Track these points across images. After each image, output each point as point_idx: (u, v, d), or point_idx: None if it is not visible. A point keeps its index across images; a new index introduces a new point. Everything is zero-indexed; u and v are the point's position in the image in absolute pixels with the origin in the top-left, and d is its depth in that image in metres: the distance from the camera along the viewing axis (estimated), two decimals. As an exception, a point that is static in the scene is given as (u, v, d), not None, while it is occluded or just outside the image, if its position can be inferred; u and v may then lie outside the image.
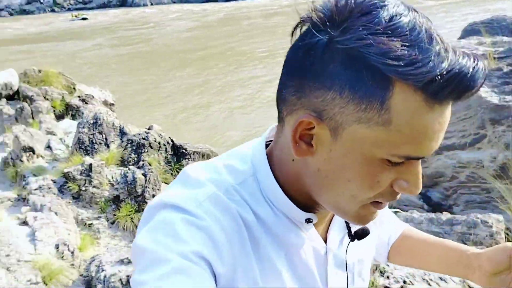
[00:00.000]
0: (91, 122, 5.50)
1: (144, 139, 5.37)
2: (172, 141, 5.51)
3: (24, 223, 4.30)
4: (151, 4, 37.28)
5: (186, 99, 13.27)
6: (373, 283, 3.24)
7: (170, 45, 22.07)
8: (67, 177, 4.97)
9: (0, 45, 23.27)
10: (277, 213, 0.63)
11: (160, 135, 5.54)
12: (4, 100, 8.16)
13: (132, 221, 4.53)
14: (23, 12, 36.22)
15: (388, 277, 3.32)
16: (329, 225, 0.70)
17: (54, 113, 7.99)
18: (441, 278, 3.40)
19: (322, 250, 0.68)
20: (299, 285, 0.65)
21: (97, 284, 3.48)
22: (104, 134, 5.51)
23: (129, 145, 5.36)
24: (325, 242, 0.69)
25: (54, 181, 5.05)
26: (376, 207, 0.60)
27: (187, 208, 0.58)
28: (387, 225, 0.89)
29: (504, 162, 3.76)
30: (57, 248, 3.96)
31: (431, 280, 3.35)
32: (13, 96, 8.31)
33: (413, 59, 0.48)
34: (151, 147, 5.33)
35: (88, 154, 5.35)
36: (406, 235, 0.89)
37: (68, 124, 7.21)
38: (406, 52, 0.48)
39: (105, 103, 9.15)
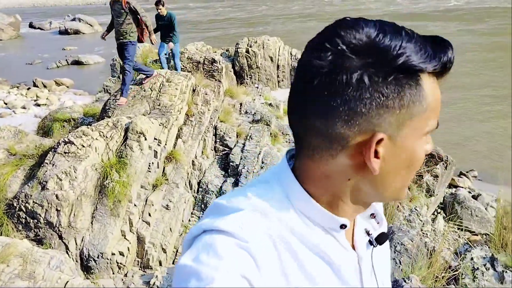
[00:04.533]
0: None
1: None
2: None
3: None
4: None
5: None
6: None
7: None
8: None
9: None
10: (312, 226, 0.67)
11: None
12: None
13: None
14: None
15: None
16: (352, 232, 0.74)
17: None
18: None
19: (355, 259, 0.71)
20: None
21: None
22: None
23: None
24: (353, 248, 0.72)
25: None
26: None
27: (229, 231, 0.60)
28: None
29: None
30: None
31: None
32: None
33: (427, 56, 0.60)
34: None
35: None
36: None
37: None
38: (420, 51, 0.60)
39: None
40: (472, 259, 4.57)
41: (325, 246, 0.67)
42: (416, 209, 5.81)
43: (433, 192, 6.67)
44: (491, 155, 10.53)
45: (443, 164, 6.75)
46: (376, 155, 0.61)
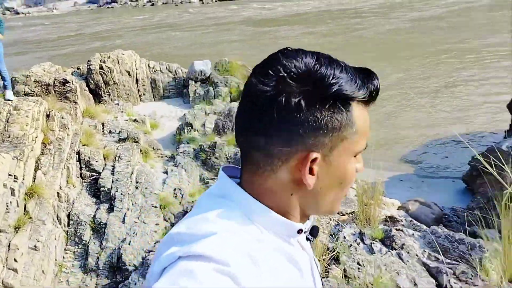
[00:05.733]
0: (226, 112, 7.75)
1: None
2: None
3: (165, 172, 6.89)
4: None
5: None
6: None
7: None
8: (200, 148, 7.38)
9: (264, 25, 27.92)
10: (271, 236, 0.70)
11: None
12: (198, 83, 11.21)
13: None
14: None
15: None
16: None
17: (230, 98, 10.43)
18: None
19: (307, 259, 0.78)
20: None
21: (182, 217, 5.72)
22: (233, 122, 7.68)
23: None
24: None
25: (194, 149, 7.54)
26: None
27: (208, 255, 0.58)
28: None
29: None
30: (174, 190, 6.37)
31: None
32: (205, 81, 11.26)
33: (357, 86, 0.68)
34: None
35: (219, 135, 7.64)
36: None
37: (232, 108, 9.64)
38: (352, 81, 0.68)
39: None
40: (344, 237, 5.03)
41: (288, 249, 0.72)
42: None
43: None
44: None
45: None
46: (312, 172, 0.68)
